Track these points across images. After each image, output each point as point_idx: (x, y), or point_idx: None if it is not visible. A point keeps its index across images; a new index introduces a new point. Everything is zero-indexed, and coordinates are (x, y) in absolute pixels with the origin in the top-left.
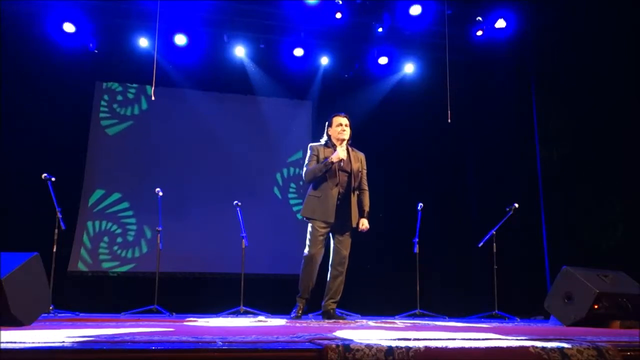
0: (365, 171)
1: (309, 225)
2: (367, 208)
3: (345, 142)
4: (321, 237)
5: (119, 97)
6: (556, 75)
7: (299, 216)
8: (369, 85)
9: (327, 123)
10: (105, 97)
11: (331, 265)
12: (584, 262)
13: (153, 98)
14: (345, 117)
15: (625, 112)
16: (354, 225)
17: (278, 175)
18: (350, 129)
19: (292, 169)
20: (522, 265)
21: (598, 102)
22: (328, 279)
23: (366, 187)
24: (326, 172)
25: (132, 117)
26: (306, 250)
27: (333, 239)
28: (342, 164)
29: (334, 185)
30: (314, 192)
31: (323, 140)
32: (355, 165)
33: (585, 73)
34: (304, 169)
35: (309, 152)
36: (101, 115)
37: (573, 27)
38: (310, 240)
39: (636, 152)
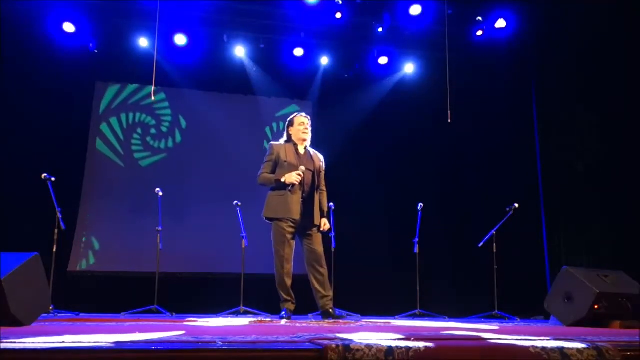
0: (324, 172)
1: (273, 226)
2: (325, 208)
3: (305, 145)
4: (289, 237)
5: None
6: (556, 74)
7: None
8: (369, 85)
9: (287, 122)
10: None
11: (308, 265)
12: (584, 263)
13: (153, 98)
14: (307, 117)
15: (626, 112)
16: (317, 223)
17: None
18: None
19: None
20: (522, 265)
21: (598, 101)
22: (313, 280)
23: (324, 189)
24: (289, 172)
25: (134, 119)
26: (277, 254)
27: (301, 239)
28: (303, 162)
29: (296, 186)
30: (277, 192)
31: (282, 140)
32: (317, 164)
33: (586, 72)
34: (260, 170)
35: (267, 150)
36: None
37: (573, 27)
38: (278, 242)
39: (637, 151)
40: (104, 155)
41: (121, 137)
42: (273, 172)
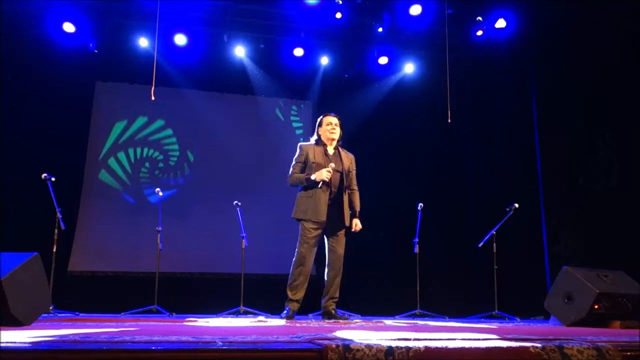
0: (354, 172)
1: (300, 226)
2: (358, 208)
3: (334, 145)
4: (313, 238)
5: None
6: (557, 74)
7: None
8: (369, 85)
9: (317, 123)
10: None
11: (327, 265)
12: (584, 263)
13: (153, 98)
14: (335, 116)
15: (626, 111)
16: (347, 224)
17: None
18: (341, 129)
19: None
20: (522, 265)
21: (598, 100)
22: (325, 279)
23: (356, 188)
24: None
25: (142, 154)
26: (297, 253)
27: (327, 239)
28: (331, 162)
29: (325, 185)
30: (305, 192)
31: (313, 140)
32: (346, 165)
33: (586, 72)
34: (290, 169)
35: (297, 151)
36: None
37: (573, 27)
38: (301, 241)
39: (637, 150)
40: (107, 184)
41: (129, 170)
42: (303, 172)
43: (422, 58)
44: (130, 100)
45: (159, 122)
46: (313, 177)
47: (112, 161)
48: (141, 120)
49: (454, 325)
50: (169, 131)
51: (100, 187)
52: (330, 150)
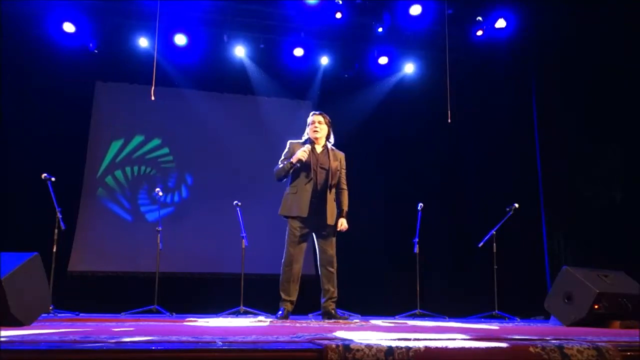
0: (344, 171)
1: (287, 225)
2: (345, 208)
3: (322, 143)
4: (299, 236)
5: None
6: (557, 74)
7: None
8: (369, 85)
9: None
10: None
11: (320, 265)
12: (584, 262)
13: (153, 98)
14: (320, 115)
15: (626, 111)
16: (330, 223)
17: None
18: (330, 127)
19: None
20: (522, 265)
21: (599, 101)
22: (322, 280)
23: (345, 187)
24: (300, 169)
25: (131, 115)
26: (285, 252)
27: (316, 240)
28: (318, 160)
29: (308, 181)
30: (290, 189)
31: (304, 138)
32: (334, 164)
33: (586, 72)
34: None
35: (286, 148)
36: None
37: (573, 27)
38: (288, 240)
39: (637, 150)
40: (106, 199)
41: (126, 186)
42: None
43: (422, 58)
44: (130, 101)
45: (156, 141)
46: (291, 159)
47: (109, 179)
48: (138, 139)
49: (454, 325)
50: (166, 149)
51: (98, 203)
52: (319, 148)
